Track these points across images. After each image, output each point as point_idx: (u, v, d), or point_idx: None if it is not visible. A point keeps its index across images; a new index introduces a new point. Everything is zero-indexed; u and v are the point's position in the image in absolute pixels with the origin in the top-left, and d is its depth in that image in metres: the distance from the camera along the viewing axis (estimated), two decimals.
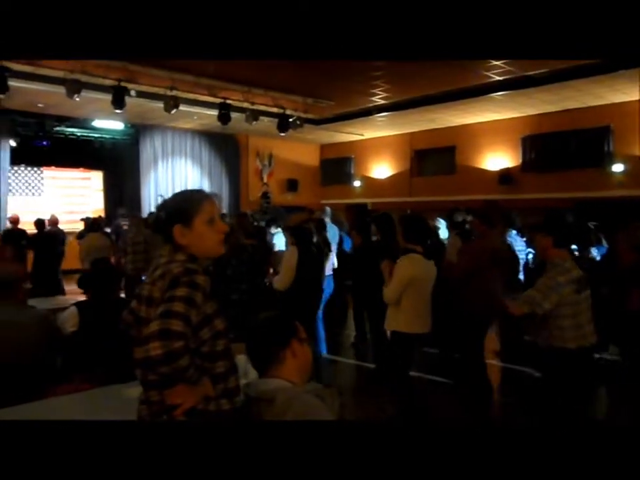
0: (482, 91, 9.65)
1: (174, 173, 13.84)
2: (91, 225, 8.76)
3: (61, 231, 8.92)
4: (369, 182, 15.09)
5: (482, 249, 4.34)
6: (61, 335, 3.16)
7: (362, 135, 14.32)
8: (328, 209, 7.85)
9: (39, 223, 8.74)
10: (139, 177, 13.35)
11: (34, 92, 9.11)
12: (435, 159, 13.77)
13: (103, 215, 12.69)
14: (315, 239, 4.95)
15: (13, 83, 7.74)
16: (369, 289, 4.61)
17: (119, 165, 13.90)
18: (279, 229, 7.43)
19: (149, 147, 13.45)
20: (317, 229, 5.53)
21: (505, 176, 12.02)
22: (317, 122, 12.46)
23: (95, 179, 13.95)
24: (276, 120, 11.00)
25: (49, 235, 8.60)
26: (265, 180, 14.98)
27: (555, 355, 3.13)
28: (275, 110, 10.85)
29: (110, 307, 3.20)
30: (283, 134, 11.30)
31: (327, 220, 7.33)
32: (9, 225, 9.63)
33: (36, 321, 2.96)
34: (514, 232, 6.27)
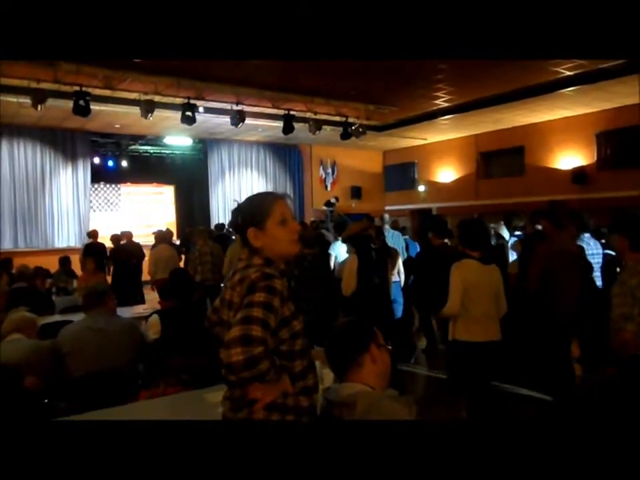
0: (551, 87, 9.28)
1: (240, 184, 14.27)
2: (159, 237, 9.17)
3: (137, 244, 9.39)
4: (434, 186, 14.87)
5: (551, 252, 4.16)
6: (145, 342, 3.34)
7: (425, 139, 14.15)
8: (386, 215, 7.79)
9: (115, 238, 9.26)
10: (208, 189, 13.87)
11: (112, 114, 9.69)
12: (502, 160, 13.37)
13: (175, 227, 13.23)
14: (373, 245, 5.02)
15: (93, 106, 8.26)
16: (435, 296, 4.51)
17: (188, 179, 14.49)
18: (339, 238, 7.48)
19: (217, 161, 13.95)
20: (376, 235, 5.57)
21: (578, 175, 11.48)
22: (379, 128, 12.45)
23: (167, 193, 14.59)
24: (338, 128, 11.09)
25: (125, 248, 9.08)
26: (329, 188, 15.11)
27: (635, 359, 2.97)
28: (337, 118, 10.95)
29: (189, 314, 3.36)
30: (345, 142, 11.37)
31: (387, 226, 7.29)
32: (88, 239, 10.24)
33: (124, 329, 3.15)
34: (586, 235, 6.00)
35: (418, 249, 7.33)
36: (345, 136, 11.08)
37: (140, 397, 2.82)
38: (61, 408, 2.66)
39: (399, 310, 5.81)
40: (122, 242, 9.24)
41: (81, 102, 8.02)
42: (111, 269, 9.00)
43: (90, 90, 8.11)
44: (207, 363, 3.10)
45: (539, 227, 6.88)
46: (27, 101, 8.06)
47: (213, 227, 12.05)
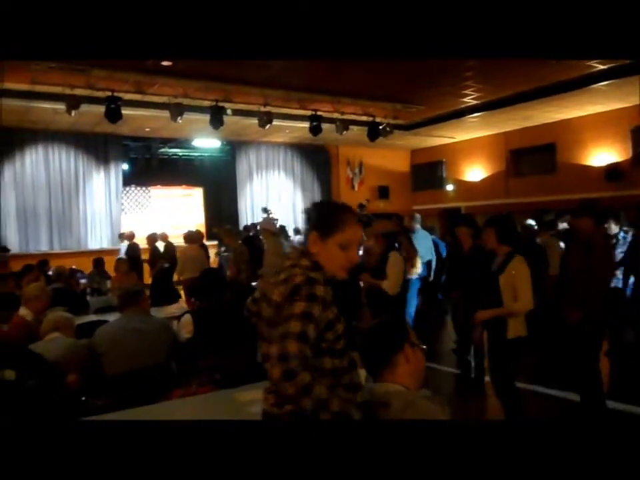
0: (583, 82, 9.07)
1: (268, 185, 14.36)
2: (188, 238, 9.31)
3: (172, 245, 9.55)
4: (462, 185, 14.70)
5: (593, 248, 4.07)
6: (178, 342, 3.40)
7: (453, 137, 14.01)
8: (417, 215, 7.72)
9: (151, 238, 9.45)
10: (236, 191, 14.02)
11: (142, 117, 9.88)
12: (532, 158, 13.13)
13: (204, 228, 13.39)
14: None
15: (124, 111, 8.44)
16: (475, 295, 4.41)
17: (217, 180, 14.65)
18: None
19: (244, 162, 14.08)
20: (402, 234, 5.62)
21: (612, 171, 11.20)
22: (406, 127, 12.38)
23: (196, 195, 14.78)
24: (365, 128, 11.07)
25: (165, 249, 9.31)
26: (356, 188, 15.08)
27: None
28: (364, 118, 10.93)
29: (220, 314, 3.40)
30: (372, 142, 11.34)
31: (417, 226, 7.23)
32: (126, 241, 10.47)
33: (158, 329, 3.20)
34: (621, 233, 5.91)
35: (446, 249, 7.27)
36: (372, 135, 11.05)
37: (173, 396, 2.87)
38: (98, 406, 2.72)
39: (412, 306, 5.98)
40: (157, 243, 9.45)
41: (113, 106, 8.21)
42: (155, 268, 9.20)
43: (121, 95, 8.29)
44: (238, 363, 3.14)
45: (564, 226, 6.77)
46: (61, 107, 8.29)
47: (242, 227, 12.20)
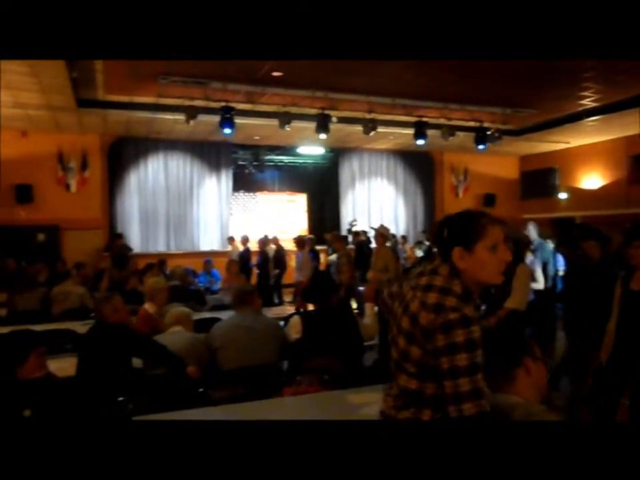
0: None
1: (370, 192, 14.41)
2: (300, 242, 9.61)
3: (281, 249, 9.93)
4: (577, 193, 13.78)
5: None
6: (287, 341, 3.51)
7: (568, 142, 13.18)
8: (534, 224, 7.29)
9: (262, 242, 9.88)
10: (338, 197, 14.20)
11: (252, 126, 10.34)
12: None
13: (307, 234, 13.71)
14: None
15: (236, 120, 8.90)
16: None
17: (320, 187, 14.95)
18: None
19: (347, 169, 14.24)
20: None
21: None
22: (516, 132, 11.85)
23: (299, 201, 15.18)
24: (472, 134, 10.75)
25: (267, 253, 9.71)
26: (461, 195, 14.68)
27: None
28: (471, 124, 10.63)
29: (329, 316, 3.46)
30: (480, 148, 10.99)
31: (536, 236, 6.87)
32: (240, 244, 10.99)
33: (269, 328, 3.34)
34: None
35: (562, 260, 6.83)
36: (480, 141, 10.71)
37: (283, 393, 2.97)
38: (215, 398, 2.89)
39: None
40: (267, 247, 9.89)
41: (227, 116, 8.69)
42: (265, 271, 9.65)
43: (234, 105, 8.75)
44: (346, 365, 3.18)
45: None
46: (181, 117, 8.91)
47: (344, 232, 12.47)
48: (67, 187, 11.22)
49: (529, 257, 5.35)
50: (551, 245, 6.96)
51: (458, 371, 1.48)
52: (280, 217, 14.63)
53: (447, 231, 1.67)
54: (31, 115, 9.30)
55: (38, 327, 3.56)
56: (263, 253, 10.09)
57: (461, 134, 10.66)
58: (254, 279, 9.81)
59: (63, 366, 3.21)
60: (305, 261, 8.99)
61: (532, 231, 6.91)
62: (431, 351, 1.54)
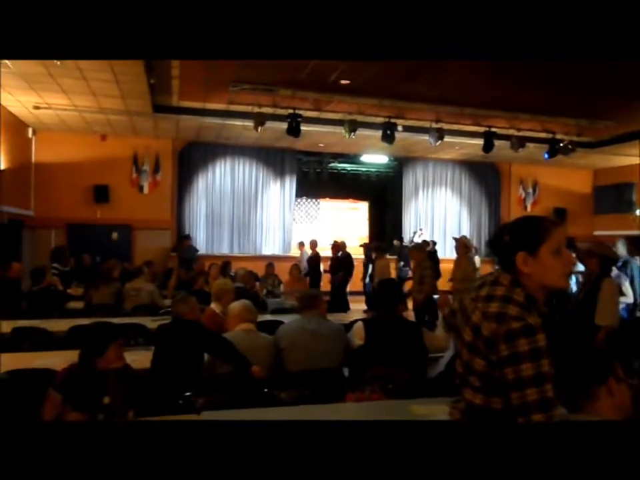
0: None
1: (434, 203, 14.22)
2: (377, 249, 9.79)
3: (348, 254, 9.94)
4: None
5: None
6: (350, 347, 3.52)
7: None
8: (622, 241, 6.85)
9: (336, 247, 9.93)
10: (401, 206, 14.10)
11: (318, 134, 10.46)
12: None
13: (367, 241, 13.67)
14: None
15: (302, 127, 9.03)
16: None
17: (382, 195, 14.90)
18: None
19: (411, 178, 14.12)
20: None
21: None
22: (591, 145, 11.36)
23: (361, 209, 15.18)
24: (542, 145, 10.40)
25: (340, 259, 9.78)
26: (529, 209, 14.19)
27: None
28: (543, 135, 10.28)
29: (392, 324, 3.44)
30: (549, 160, 10.61)
31: (624, 253, 6.53)
32: (309, 249, 11.10)
33: (333, 332, 3.36)
34: None
35: None
36: (552, 154, 10.34)
37: (346, 399, 2.97)
38: (280, 398, 2.93)
39: None
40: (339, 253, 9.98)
41: (294, 123, 8.84)
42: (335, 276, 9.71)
43: (301, 112, 8.89)
44: (409, 375, 3.15)
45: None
46: (249, 124, 9.14)
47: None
48: (140, 188, 11.75)
49: (614, 272, 5.13)
50: (638, 262, 6.63)
51: (523, 381, 1.45)
52: (341, 224, 14.69)
53: (508, 236, 1.65)
54: (110, 120, 9.83)
55: (113, 321, 3.74)
56: (335, 258, 9.97)
57: (530, 145, 10.33)
58: (325, 285, 9.86)
59: (137, 359, 3.36)
60: (385, 267, 9.31)
61: (620, 248, 6.57)
62: (495, 361, 1.52)
